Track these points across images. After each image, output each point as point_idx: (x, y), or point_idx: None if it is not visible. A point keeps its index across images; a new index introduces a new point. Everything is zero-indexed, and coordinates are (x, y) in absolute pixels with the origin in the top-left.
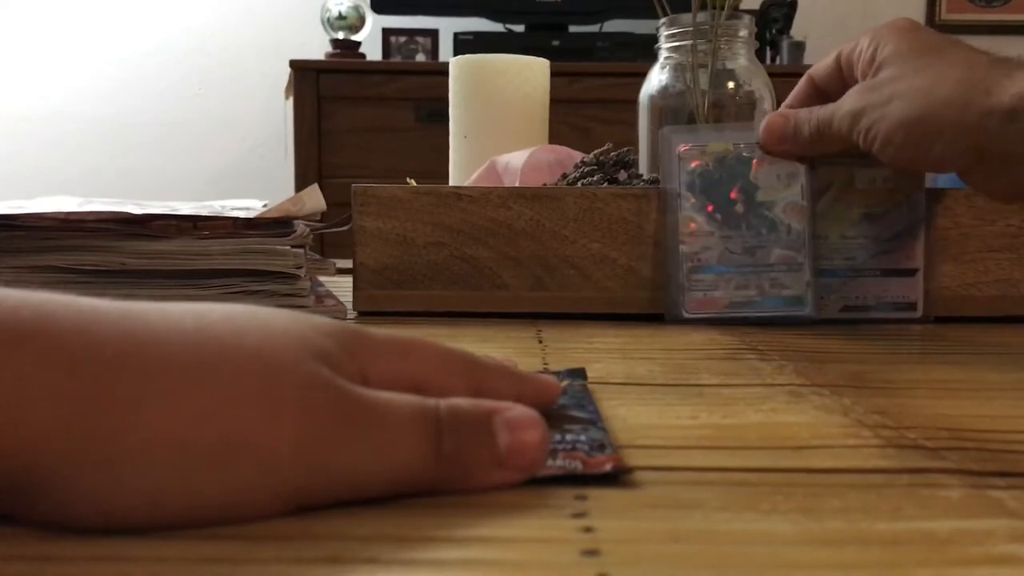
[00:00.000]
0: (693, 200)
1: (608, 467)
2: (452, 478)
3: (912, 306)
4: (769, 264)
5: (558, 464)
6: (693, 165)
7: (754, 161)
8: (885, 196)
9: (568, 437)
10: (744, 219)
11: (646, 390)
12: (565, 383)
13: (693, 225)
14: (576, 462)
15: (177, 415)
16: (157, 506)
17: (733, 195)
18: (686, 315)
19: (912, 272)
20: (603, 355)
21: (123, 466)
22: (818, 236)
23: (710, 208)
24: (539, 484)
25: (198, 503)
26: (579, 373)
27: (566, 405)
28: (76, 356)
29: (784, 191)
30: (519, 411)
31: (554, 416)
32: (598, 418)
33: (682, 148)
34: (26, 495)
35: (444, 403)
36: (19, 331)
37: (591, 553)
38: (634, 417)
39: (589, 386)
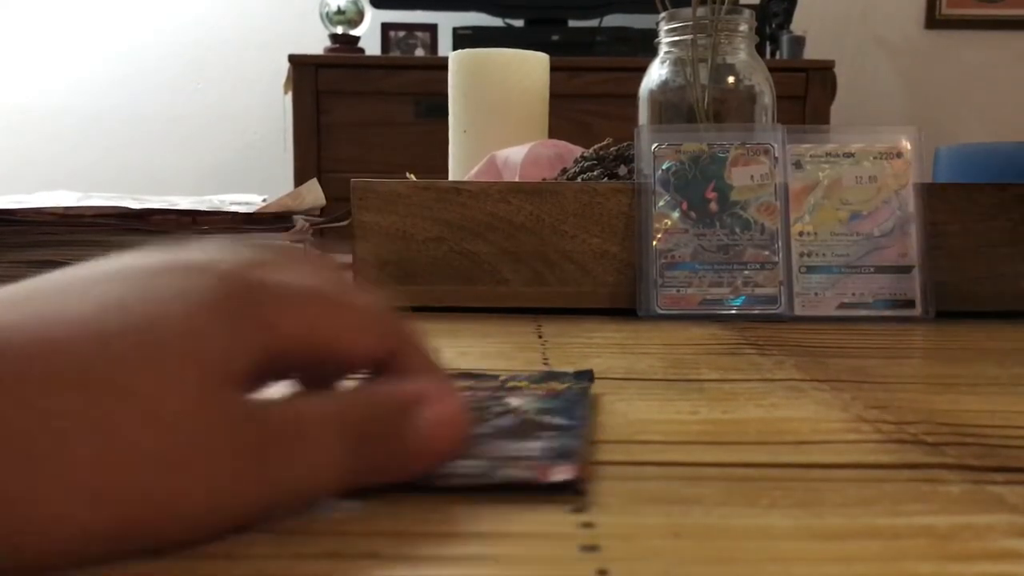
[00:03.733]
0: (667, 197)
1: (560, 477)
2: (370, 477)
3: (910, 303)
4: (743, 262)
5: (511, 474)
6: (667, 163)
7: (728, 160)
8: (872, 193)
9: (534, 444)
10: (718, 217)
11: (646, 385)
12: (565, 386)
13: (667, 222)
14: (533, 472)
15: (76, 496)
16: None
17: (708, 194)
18: (658, 311)
19: (907, 269)
20: (603, 350)
21: (23, 543)
22: (807, 233)
23: (684, 206)
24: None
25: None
26: (586, 375)
27: (554, 409)
28: None
29: (758, 190)
30: (438, 398)
31: (533, 423)
32: (582, 424)
33: (656, 146)
34: None
35: (359, 404)
36: None
37: (591, 548)
38: (634, 412)
39: (593, 389)
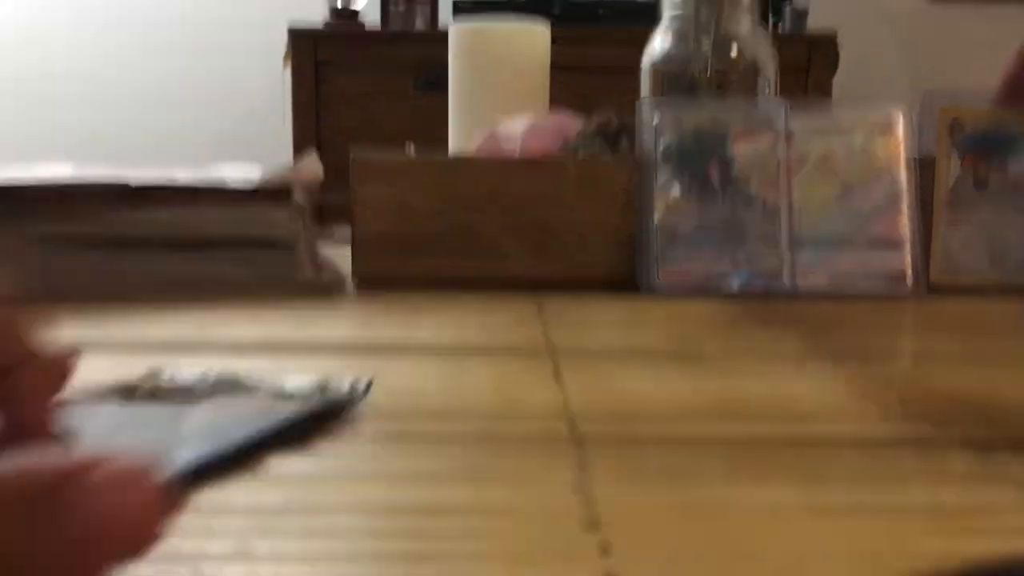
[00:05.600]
0: (669, 172)
1: None
2: None
3: (901, 278)
4: (745, 238)
5: None
6: (669, 137)
7: (731, 135)
8: (864, 168)
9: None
10: (720, 193)
11: (649, 360)
12: (295, 405)
13: (669, 197)
14: None
15: None
16: None
17: (710, 169)
18: (660, 286)
19: (899, 244)
20: (604, 325)
21: None
22: (798, 209)
23: (686, 180)
24: (539, 455)
25: None
26: (360, 390)
27: (226, 427)
28: None
29: (760, 165)
30: (112, 465)
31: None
32: (214, 450)
33: (658, 119)
34: None
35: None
36: None
37: (593, 524)
38: (636, 387)
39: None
